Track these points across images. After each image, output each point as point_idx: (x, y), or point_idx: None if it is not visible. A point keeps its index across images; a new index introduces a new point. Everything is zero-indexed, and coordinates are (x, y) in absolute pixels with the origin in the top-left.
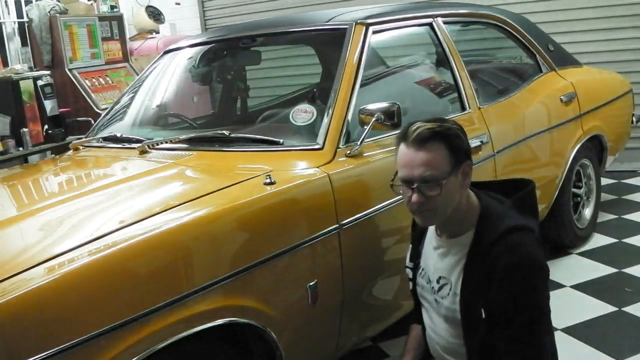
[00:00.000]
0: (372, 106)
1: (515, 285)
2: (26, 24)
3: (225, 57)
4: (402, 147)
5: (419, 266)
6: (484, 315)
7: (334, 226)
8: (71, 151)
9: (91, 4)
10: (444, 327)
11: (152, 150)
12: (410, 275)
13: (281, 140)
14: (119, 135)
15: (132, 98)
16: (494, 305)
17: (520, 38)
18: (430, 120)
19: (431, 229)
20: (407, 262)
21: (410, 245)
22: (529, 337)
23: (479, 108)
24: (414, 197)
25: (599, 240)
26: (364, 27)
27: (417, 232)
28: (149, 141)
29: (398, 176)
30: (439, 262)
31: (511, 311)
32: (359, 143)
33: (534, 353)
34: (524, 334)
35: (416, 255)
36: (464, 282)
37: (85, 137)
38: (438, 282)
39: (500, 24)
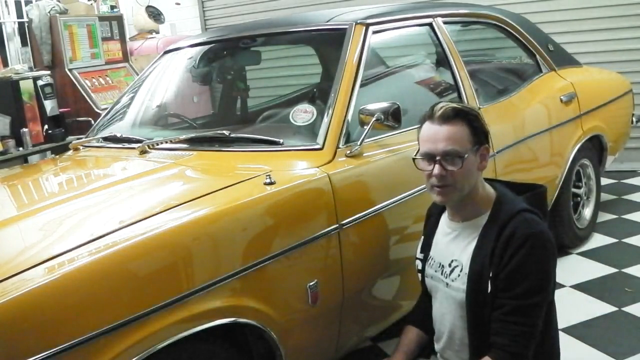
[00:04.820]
0: (372, 106)
1: (528, 254)
2: (26, 24)
3: (225, 57)
4: (427, 124)
5: (429, 256)
6: (489, 289)
7: (334, 226)
8: (71, 151)
9: (91, 4)
10: (453, 312)
11: (152, 150)
12: (420, 267)
13: (281, 140)
14: (119, 135)
15: (132, 98)
16: (502, 274)
17: (520, 38)
18: (453, 102)
19: (444, 219)
20: (418, 254)
21: (422, 237)
22: (523, 311)
23: (479, 108)
24: (436, 170)
25: (599, 240)
26: (364, 27)
27: (430, 224)
28: (149, 141)
29: (420, 151)
30: (451, 246)
31: (515, 279)
32: (359, 143)
33: (522, 331)
34: (519, 308)
35: (427, 247)
36: (473, 256)
37: (85, 137)
38: (450, 265)
39: (500, 24)
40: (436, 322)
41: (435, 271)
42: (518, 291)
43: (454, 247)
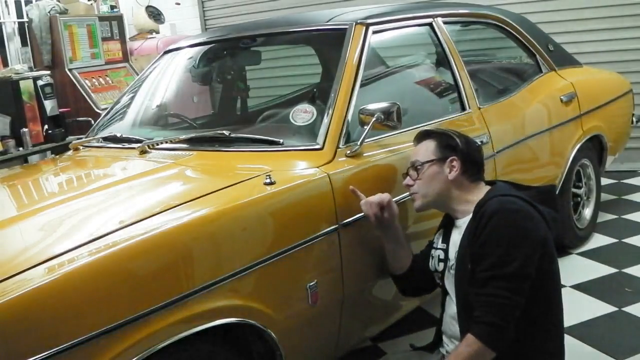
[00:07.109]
0: (372, 106)
1: (493, 228)
2: (26, 24)
3: (225, 57)
4: None
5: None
6: (469, 266)
7: (334, 226)
8: (71, 151)
9: (91, 4)
10: (452, 297)
11: (152, 150)
12: (442, 257)
13: (281, 140)
14: (119, 135)
15: (132, 98)
16: (474, 250)
17: (520, 38)
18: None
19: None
20: (440, 244)
21: (442, 229)
22: (493, 283)
23: (479, 108)
24: (404, 180)
25: (599, 240)
26: (364, 27)
27: (446, 219)
28: (149, 141)
29: None
30: (455, 240)
31: (483, 253)
32: (359, 143)
33: (494, 302)
34: (490, 279)
35: (447, 239)
36: (461, 241)
37: (85, 137)
38: (455, 257)
39: (500, 24)
40: (445, 320)
41: (447, 261)
42: (486, 264)
43: (456, 241)
